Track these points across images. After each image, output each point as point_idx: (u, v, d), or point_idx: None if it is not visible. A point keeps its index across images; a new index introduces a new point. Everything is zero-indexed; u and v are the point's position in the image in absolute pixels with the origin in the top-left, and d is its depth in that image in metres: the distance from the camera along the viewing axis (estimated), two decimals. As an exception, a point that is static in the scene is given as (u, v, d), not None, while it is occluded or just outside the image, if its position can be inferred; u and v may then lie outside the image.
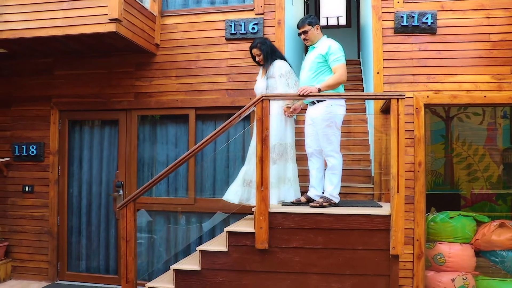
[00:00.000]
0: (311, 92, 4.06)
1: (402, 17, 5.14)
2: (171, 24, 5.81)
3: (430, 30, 5.11)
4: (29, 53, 6.03)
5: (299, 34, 4.46)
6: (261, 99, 3.95)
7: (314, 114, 4.34)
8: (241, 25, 5.55)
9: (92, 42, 5.43)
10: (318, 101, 4.29)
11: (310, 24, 4.35)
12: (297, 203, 4.37)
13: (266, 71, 4.75)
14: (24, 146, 6.19)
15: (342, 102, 4.35)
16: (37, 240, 6.15)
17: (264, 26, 5.51)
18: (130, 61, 5.90)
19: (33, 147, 6.17)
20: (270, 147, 4.37)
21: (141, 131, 6.00)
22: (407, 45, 5.17)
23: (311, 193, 4.44)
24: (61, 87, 6.14)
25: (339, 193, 4.29)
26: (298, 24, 4.45)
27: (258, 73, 4.96)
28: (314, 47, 4.40)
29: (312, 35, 4.38)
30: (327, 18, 10.91)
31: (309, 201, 4.38)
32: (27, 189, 6.21)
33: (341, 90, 4.37)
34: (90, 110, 6.09)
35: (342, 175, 4.34)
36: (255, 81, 5.39)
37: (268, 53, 4.77)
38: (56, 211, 6.10)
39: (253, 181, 4.47)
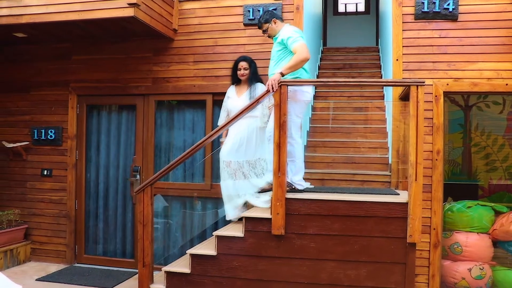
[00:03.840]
0: (276, 80, 4.01)
1: (423, 3, 5.05)
2: (189, 9, 5.78)
3: (451, 16, 5.02)
4: (48, 38, 6.06)
5: (263, 33, 4.59)
6: (279, 84, 3.94)
7: None
8: (259, 10, 5.50)
9: (110, 26, 5.45)
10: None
11: (266, 21, 4.49)
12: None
13: (250, 90, 4.80)
14: (43, 130, 6.26)
15: (306, 89, 4.35)
16: (55, 223, 6.24)
17: (282, 12, 5.45)
18: (147, 46, 5.91)
19: (51, 131, 6.23)
20: (250, 163, 4.72)
21: (158, 116, 6.02)
22: (427, 31, 5.08)
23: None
24: (79, 72, 6.18)
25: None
26: (257, 25, 4.60)
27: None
28: (276, 38, 4.47)
29: (272, 30, 4.50)
30: (345, 4, 10.80)
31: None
32: (45, 173, 6.29)
33: (304, 75, 4.34)
34: (107, 95, 6.12)
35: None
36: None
37: (255, 72, 4.87)
38: (74, 195, 6.18)
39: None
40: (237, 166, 4.75)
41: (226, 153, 4.76)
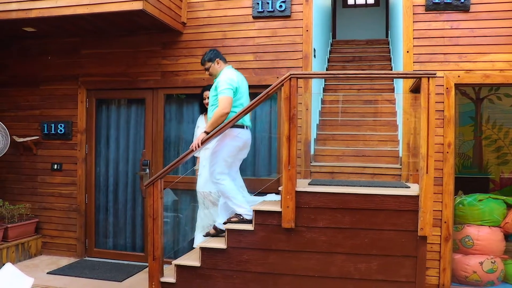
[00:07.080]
0: (200, 140, 4.11)
1: (434, -7, 5.00)
2: (198, 2, 5.76)
3: (463, 7, 4.95)
4: (57, 32, 6.07)
5: (205, 70, 4.58)
6: (289, 77, 3.90)
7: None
8: (268, 3, 5.47)
9: (119, 20, 5.44)
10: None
11: (210, 60, 4.48)
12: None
13: None
14: (53, 125, 6.29)
15: (236, 133, 4.29)
16: (66, 217, 6.27)
17: (291, 4, 5.41)
18: (156, 40, 5.90)
19: (61, 126, 6.25)
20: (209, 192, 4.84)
21: (168, 110, 6.02)
22: (438, 23, 5.03)
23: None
24: (88, 66, 6.19)
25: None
26: (201, 62, 4.56)
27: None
28: (215, 80, 4.45)
29: (213, 70, 4.49)
30: (354, -3, 10.73)
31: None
32: (55, 167, 6.32)
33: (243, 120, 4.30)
34: (116, 89, 6.12)
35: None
36: (282, 60, 5.37)
37: None
38: (84, 189, 6.20)
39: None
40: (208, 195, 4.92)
41: (202, 184, 4.93)
